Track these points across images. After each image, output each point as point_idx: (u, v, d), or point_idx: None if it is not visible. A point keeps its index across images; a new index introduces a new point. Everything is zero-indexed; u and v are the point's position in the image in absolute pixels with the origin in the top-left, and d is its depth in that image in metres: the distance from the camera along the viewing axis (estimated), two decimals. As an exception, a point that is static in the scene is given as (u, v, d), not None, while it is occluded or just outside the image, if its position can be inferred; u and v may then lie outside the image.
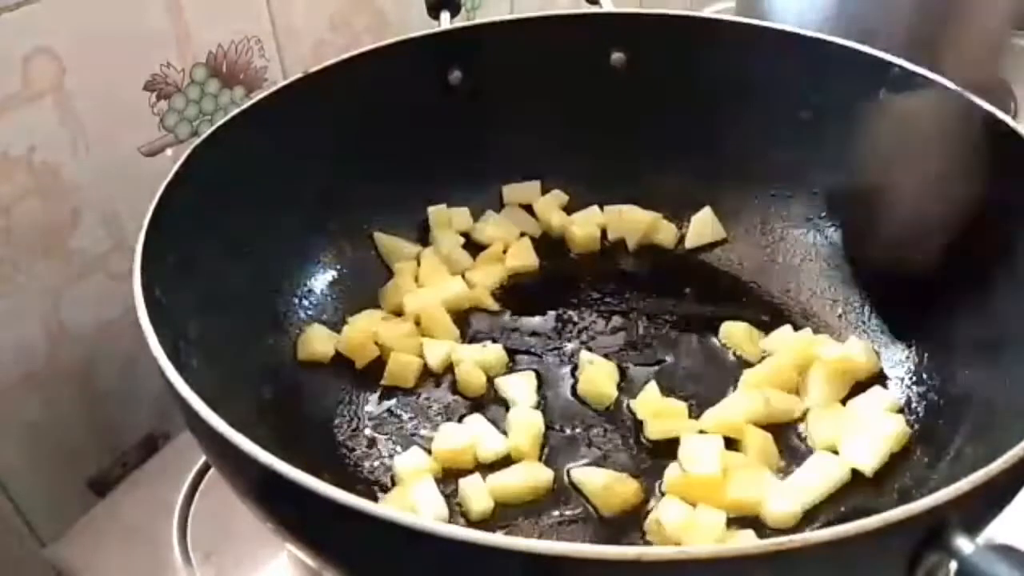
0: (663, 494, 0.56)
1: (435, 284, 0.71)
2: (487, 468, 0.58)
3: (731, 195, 0.76)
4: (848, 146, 0.68)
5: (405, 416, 0.63)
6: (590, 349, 0.67)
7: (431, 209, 0.76)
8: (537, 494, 0.56)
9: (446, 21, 0.74)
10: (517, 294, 0.73)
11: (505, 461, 0.58)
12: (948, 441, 0.56)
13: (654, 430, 0.59)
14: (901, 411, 0.60)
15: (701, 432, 0.58)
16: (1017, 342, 0.54)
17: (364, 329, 0.67)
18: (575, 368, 0.65)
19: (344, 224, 0.73)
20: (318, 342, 0.66)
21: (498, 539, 0.34)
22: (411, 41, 0.71)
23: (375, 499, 0.57)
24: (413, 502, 0.55)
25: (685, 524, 0.52)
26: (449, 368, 0.66)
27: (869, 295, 0.68)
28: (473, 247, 0.75)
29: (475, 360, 0.64)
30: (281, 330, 0.66)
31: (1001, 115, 0.57)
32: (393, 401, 0.64)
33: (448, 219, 0.76)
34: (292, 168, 0.67)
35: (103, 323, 0.70)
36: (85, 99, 0.63)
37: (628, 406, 0.62)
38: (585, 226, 0.76)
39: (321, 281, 0.70)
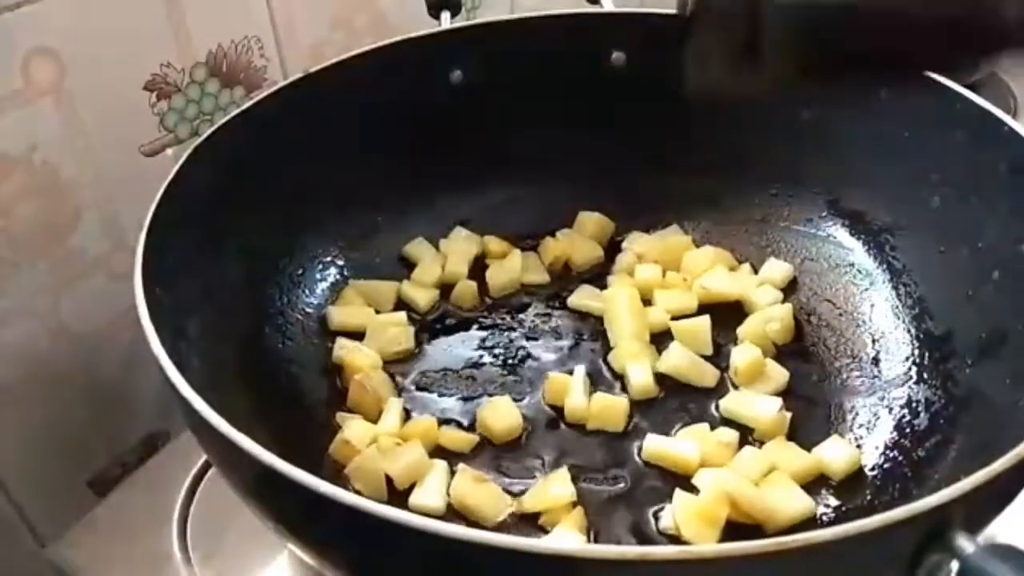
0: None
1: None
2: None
3: (731, 195, 0.76)
4: (849, 145, 0.68)
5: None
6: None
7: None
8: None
9: (446, 21, 0.74)
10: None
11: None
12: (948, 441, 0.56)
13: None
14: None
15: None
16: (1017, 341, 0.54)
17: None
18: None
19: (344, 224, 0.73)
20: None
21: (498, 539, 0.34)
22: (411, 41, 0.71)
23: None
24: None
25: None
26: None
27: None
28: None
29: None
30: (281, 329, 0.66)
31: (1001, 115, 0.57)
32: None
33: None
34: (292, 168, 0.67)
35: (103, 323, 0.70)
36: (85, 99, 0.63)
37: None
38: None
39: (322, 281, 0.71)
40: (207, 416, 0.40)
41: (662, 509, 0.55)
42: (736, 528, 0.52)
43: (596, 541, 0.54)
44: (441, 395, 0.65)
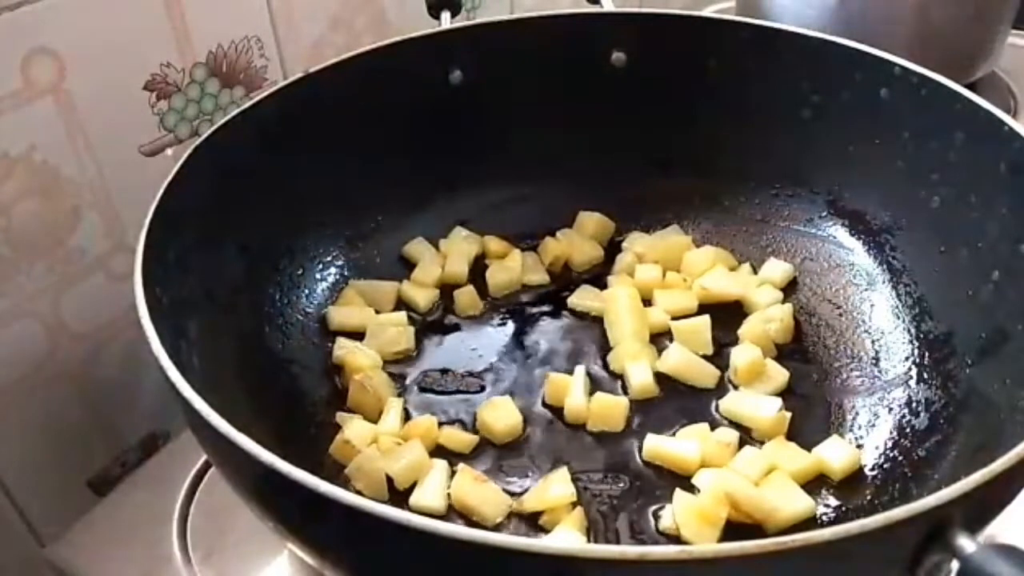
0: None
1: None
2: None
3: (731, 195, 0.76)
4: (849, 145, 0.68)
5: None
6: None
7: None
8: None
9: (446, 21, 0.74)
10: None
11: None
12: (948, 441, 0.56)
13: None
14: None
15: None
16: (1017, 341, 0.54)
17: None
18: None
19: (344, 224, 0.73)
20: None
21: (499, 539, 0.34)
22: (411, 41, 0.71)
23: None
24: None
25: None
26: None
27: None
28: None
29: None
30: (282, 329, 0.66)
31: (1001, 115, 0.57)
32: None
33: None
34: (292, 168, 0.67)
35: (103, 323, 0.70)
36: (85, 99, 0.63)
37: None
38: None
39: (321, 281, 0.70)
40: (207, 416, 0.40)
41: (662, 509, 0.55)
42: (736, 528, 0.53)
43: (596, 541, 0.54)
44: (441, 395, 0.65)
